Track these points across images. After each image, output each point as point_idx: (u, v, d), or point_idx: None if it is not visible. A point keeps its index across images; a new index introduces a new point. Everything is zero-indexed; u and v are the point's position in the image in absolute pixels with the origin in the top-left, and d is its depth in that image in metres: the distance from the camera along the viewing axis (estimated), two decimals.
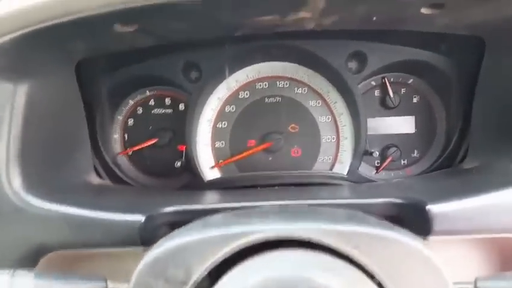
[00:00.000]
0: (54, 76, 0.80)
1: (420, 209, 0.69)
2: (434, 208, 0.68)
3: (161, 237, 0.79)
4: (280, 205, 0.76)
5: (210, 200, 0.97)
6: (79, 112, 0.92)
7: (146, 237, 0.73)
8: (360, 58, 1.05)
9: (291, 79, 1.12)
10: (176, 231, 0.63)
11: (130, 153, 1.15)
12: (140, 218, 0.72)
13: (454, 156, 1.07)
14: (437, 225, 0.67)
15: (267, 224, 0.57)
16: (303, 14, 0.69)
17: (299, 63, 1.10)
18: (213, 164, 1.15)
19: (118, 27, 0.66)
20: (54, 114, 0.83)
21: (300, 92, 1.12)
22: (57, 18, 0.62)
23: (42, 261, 0.75)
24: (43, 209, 0.73)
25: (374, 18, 0.73)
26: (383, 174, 1.14)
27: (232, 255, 0.55)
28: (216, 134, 1.14)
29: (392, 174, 1.14)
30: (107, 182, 1.09)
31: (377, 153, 1.11)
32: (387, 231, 0.56)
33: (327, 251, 0.54)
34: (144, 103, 1.14)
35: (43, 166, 0.82)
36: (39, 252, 0.74)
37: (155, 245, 0.59)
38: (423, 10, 0.71)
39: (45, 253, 0.74)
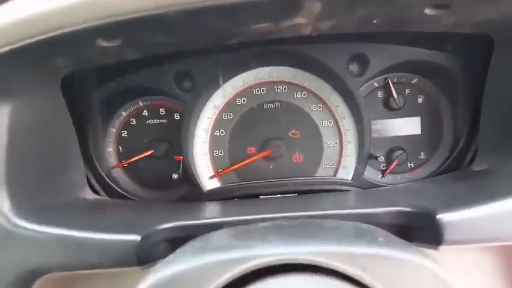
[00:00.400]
0: (38, 93, 0.76)
1: (430, 218, 0.67)
2: (444, 217, 0.66)
3: (160, 255, 0.77)
4: (283, 220, 0.72)
5: (210, 212, 0.94)
6: (68, 128, 0.89)
7: (144, 256, 0.70)
8: (362, 60, 1.01)
9: (289, 83, 1.07)
10: (173, 256, 0.60)
11: (126, 166, 1.12)
12: (136, 237, 0.70)
13: (463, 157, 1.04)
14: (448, 235, 0.65)
15: (269, 248, 0.54)
16: (298, 20, 0.65)
17: (298, 68, 1.05)
18: (211, 173, 1.11)
19: (101, 42, 0.62)
20: (41, 132, 0.80)
21: (299, 96, 1.08)
22: (37, 36, 0.58)
23: (38, 284, 0.73)
24: (36, 232, 0.71)
25: (375, 21, 0.69)
26: (389, 178, 1.10)
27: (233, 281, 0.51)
28: (214, 142, 1.11)
29: (399, 178, 1.10)
30: (103, 197, 1.06)
31: (382, 157, 1.07)
32: (397, 251, 0.53)
33: (334, 274, 0.51)
34: (137, 114, 1.10)
35: (33, 186, 0.79)
36: (34, 275, 0.72)
37: (151, 272, 0.56)
38: (428, 11, 0.66)
39: (39, 276, 0.72)
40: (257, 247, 0.54)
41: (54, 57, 0.68)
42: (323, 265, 0.51)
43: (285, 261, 0.52)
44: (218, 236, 0.67)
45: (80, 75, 0.86)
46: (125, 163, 1.11)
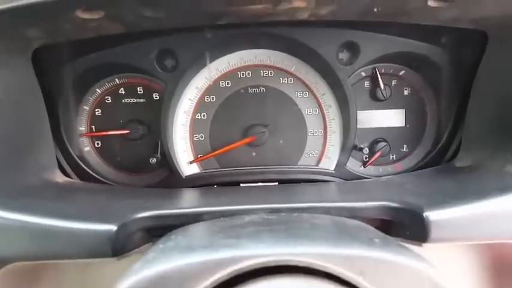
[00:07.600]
0: (6, 66, 0.68)
1: (417, 215, 0.66)
2: (431, 215, 0.65)
3: (134, 244, 0.72)
4: (269, 213, 0.69)
5: (189, 201, 0.90)
6: (38, 104, 0.82)
7: (119, 247, 0.66)
8: (352, 49, 0.97)
9: (276, 68, 1.03)
10: (154, 253, 0.56)
11: (100, 147, 1.05)
12: (111, 227, 0.65)
13: (444, 152, 1.05)
14: (434, 233, 0.65)
15: (261, 247, 0.50)
16: (297, 3, 0.60)
17: (286, 52, 1.01)
18: (191, 158, 1.07)
19: (81, 14, 0.55)
20: (9, 108, 0.73)
21: (285, 82, 1.04)
22: (8, 3, 0.51)
23: (2, 272, 0.68)
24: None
25: (376, 9, 0.65)
26: (371, 169, 1.09)
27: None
28: (195, 126, 1.06)
29: (381, 170, 1.09)
30: (74, 180, 0.99)
31: (367, 149, 1.05)
32: (397, 255, 0.51)
33: (328, 278, 0.49)
34: (113, 92, 1.02)
35: None
36: None
37: (131, 271, 0.52)
38: (431, 2, 0.64)
39: (2, 265, 0.67)
40: (250, 247, 0.50)
41: (27, 28, 0.60)
42: (319, 268, 0.49)
43: (279, 263, 0.49)
44: (203, 231, 0.63)
45: (52, 48, 0.78)
46: (94, 134, 1.03)
